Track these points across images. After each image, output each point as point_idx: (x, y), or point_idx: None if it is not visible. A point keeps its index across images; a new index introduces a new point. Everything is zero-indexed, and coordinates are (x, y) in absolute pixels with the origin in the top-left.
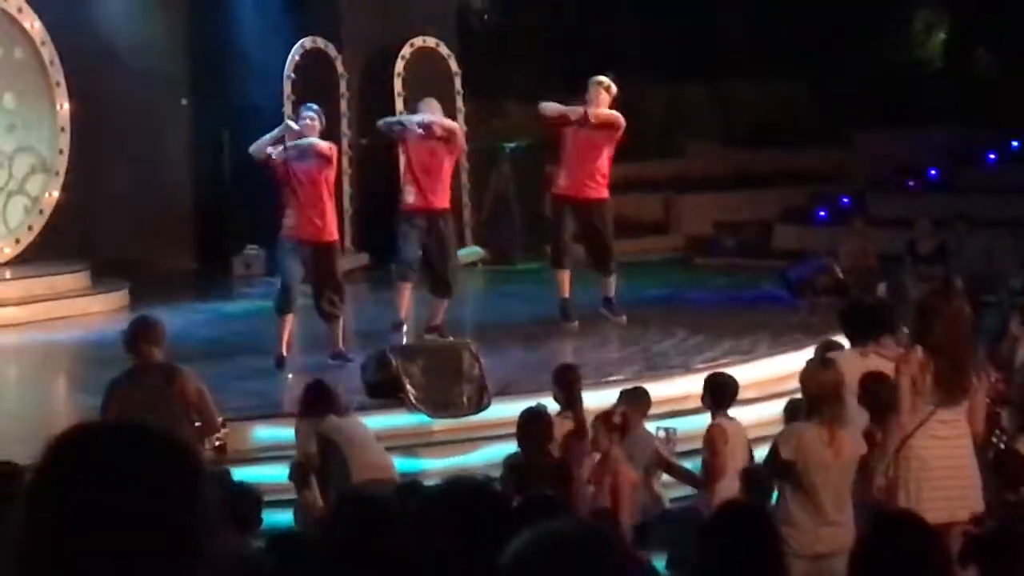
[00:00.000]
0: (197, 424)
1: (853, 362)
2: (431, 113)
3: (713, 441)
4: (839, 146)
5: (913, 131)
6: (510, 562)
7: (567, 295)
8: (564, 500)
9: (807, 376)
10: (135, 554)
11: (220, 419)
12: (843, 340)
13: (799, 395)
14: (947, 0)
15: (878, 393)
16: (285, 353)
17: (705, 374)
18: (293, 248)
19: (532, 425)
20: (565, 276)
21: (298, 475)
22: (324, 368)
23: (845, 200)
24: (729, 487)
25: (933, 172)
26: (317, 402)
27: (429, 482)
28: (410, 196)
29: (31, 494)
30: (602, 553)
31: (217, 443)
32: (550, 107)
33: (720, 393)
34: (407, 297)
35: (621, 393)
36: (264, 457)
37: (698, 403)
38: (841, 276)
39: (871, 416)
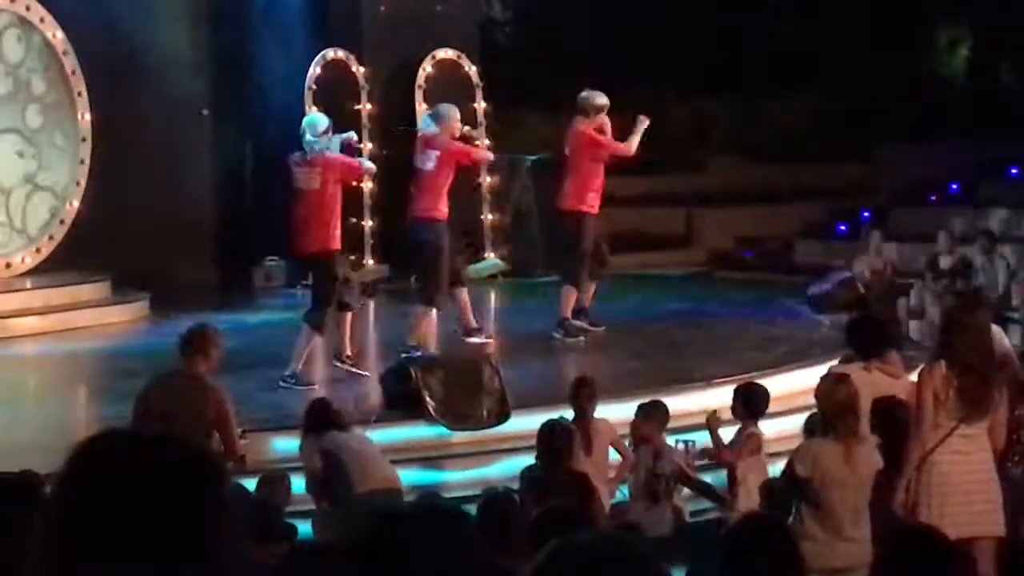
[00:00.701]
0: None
1: (858, 378)
2: (446, 119)
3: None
4: (861, 161)
5: (936, 146)
6: (536, 573)
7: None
8: (584, 513)
9: (822, 392)
10: (155, 562)
11: (239, 430)
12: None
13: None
14: (970, 15)
15: (890, 418)
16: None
17: (724, 388)
18: None
19: (552, 438)
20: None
21: (314, 487)
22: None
23: (866, 215)
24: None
25: (955, 187)
26: (318, 418)
27: (449, 494)
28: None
29: (53, 501)
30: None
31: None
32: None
33: (752, 402)
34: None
35: (639, 406)
36: (283, 469)
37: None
38: (862, 291)
39: (882, 441)
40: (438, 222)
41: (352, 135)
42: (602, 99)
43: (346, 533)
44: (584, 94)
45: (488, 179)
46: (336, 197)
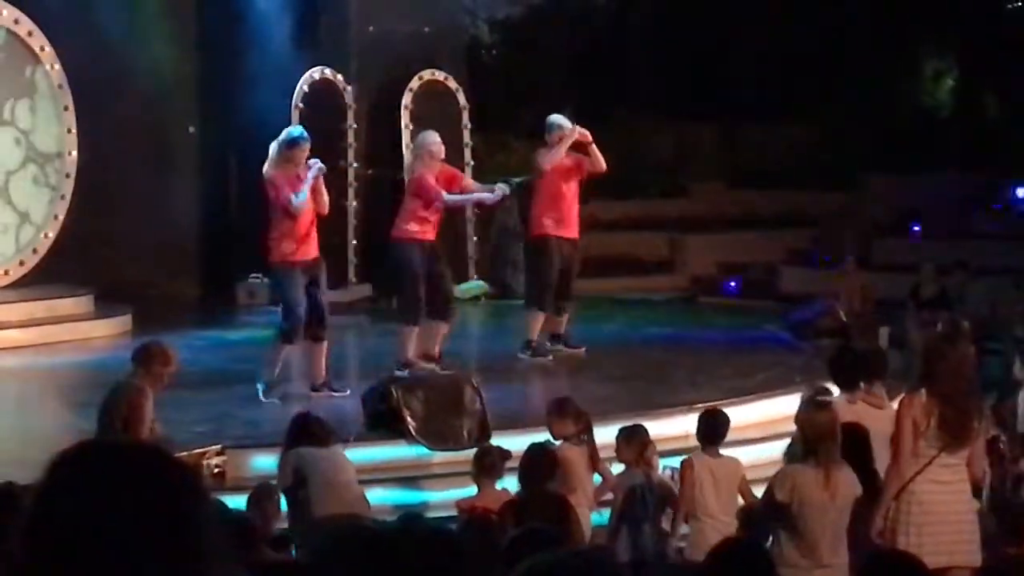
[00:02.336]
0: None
1: (842, 409)
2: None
3: (682, 476)
4: (846, 190)
5: (920, 177)
6: None
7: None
8: (562, 535)
9: (803, 418)
10: (134, 573)
11: (219, 447)
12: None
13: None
14: (956, 46)
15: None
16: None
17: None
18: None
19: (538, 461)
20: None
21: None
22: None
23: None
24: (714, 526)
25: (938, 217)
26: (299, 432)
27: (429, 515)
28: None
29: (32, 511)
30: None
31: (216, 470)
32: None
33: (710, 429)
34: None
35: (620, 430)
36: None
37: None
38: (844, 319)
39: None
40: (402, 241)
41: (317, 166)
42: (565, 123)
43: (302, 556)
44: (548, 118)
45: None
46: (279, 216)
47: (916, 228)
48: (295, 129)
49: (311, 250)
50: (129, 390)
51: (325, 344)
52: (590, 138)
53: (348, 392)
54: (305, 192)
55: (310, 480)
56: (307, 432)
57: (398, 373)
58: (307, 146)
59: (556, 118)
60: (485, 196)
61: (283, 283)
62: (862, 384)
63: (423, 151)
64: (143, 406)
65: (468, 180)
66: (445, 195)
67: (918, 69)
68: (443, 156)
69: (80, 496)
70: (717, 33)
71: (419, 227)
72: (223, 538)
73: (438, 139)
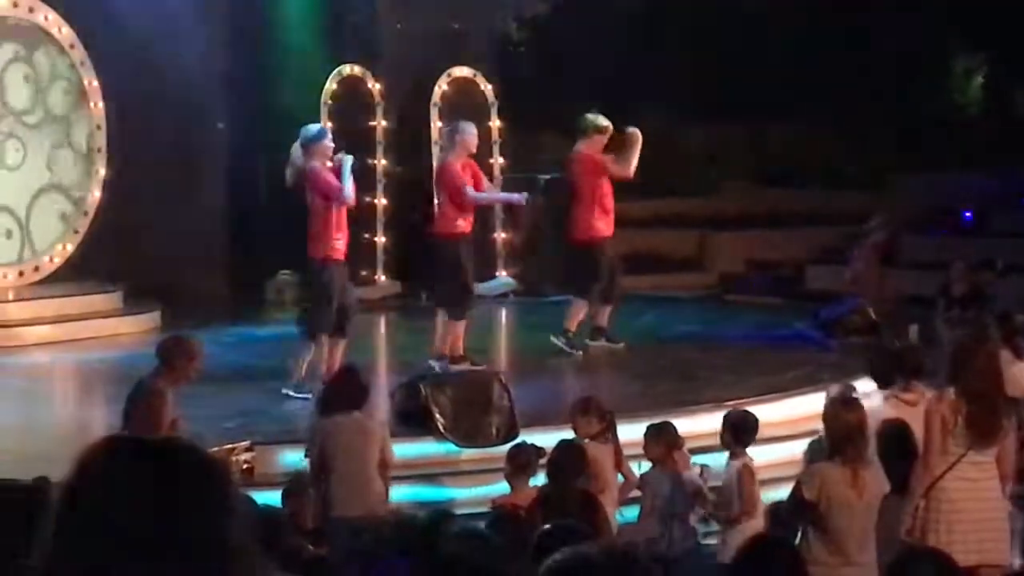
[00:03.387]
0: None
1: (876, 406)
2: (463, 135)
3: (744, 480)
4: (875, 188)
5: (950, 175)
6: None
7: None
8: (590, 530)
9: (830, 416)
10: (162, 566)
11: (248, 443)
12: (863, 383)
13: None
14: (986, 44)
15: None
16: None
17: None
18: None
19: (566, 457)
20: None
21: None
22: None
23: None
24: (754, 526)
25: (968, 215)
26: (330, 398)
27: (458, 511)
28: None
29: (61, 506)
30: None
31: (244, 466)
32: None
33: (743, 430)
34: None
35: (648, 427)
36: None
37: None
38: (873, 317)
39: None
40: (446, 237)
41: (347, 159)
42: (602, 121)
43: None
44: (585, 116)
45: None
46: (321, 211)
47: (945, 226)
48: (313, 126)
49: (346, 245)
50: (146, 392)
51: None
52: (639, 140)
53: None
54: (348, 183)
55: (328, 452)
56: (339, 397)
57: (432, 362)
58: (331, 140)
59: (594, 116)
60: (512, 198)
61: (329, 278)
62: (899, 381)
63: (458, 141)
64: (159, 408)
65: (485, 184)
66: (471, 192)
67: (947, 67)
68: (475, 150)
69: (108, 491)
70: (747, 32)
71: (464, 222)
72: (252, 533)
73: (475, 131)
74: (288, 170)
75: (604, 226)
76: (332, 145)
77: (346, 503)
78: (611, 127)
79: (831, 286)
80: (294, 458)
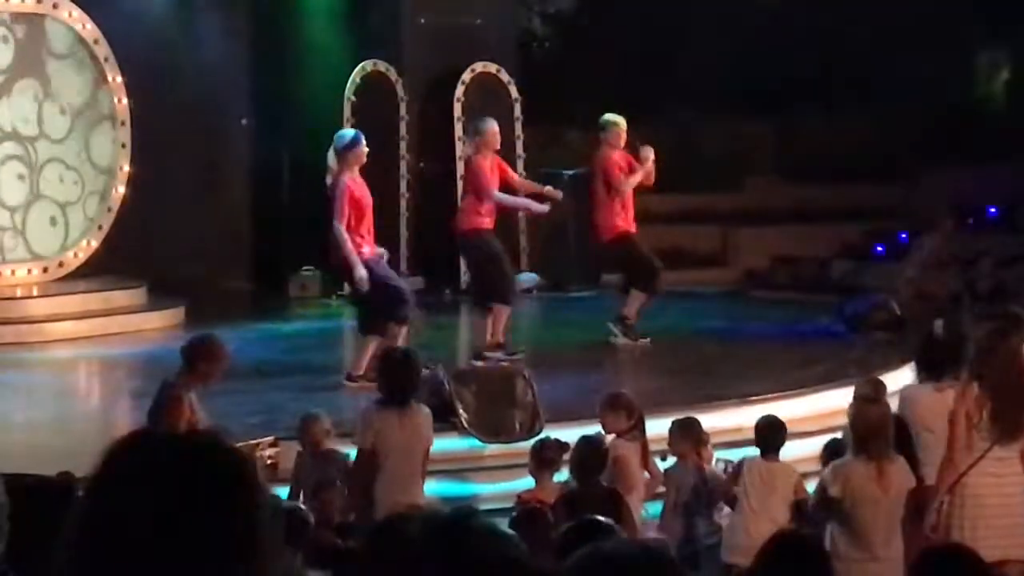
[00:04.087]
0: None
1: (931, 398)
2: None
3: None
4: (900, 183)
5: (974, 169)
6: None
7: None
8: (615, 527)
9: (855, 412)
10: (187, 563)
11: (272, 438)
12: (889, 377)
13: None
14: (1011, 38)
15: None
16: None
17: (759, 407)
18: None
19: (589, 453)
20: None
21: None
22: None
23: (903, 236)
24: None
25: (993, 210)
26: (387, 389)
27: (481, 507)
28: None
29: (85, 502)
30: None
31: (269, 462)
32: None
33: (769, 437)
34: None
35: (673, 423)
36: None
37: (751, 434)
38: (898, 312)
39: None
40: (474, 233)
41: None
42: (614, 119)
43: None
44: (602, 118)
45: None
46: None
47: (970, 221)
48: (347, 131)
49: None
50: (165, 399)
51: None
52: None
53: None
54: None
55: (378, 450)
56: (394, 386)
57: (488, 355)
58: (365, 146)
59: (612, 117)
60: (533, 206)
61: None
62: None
63: (480, 138)
64: (174, 411)
65: (515, 176)
66: (496, 193)
67: (972, 61)
68: (498, 146)
69: (133, 486)
70: (771, 27)
71: (488, 218)
72: (277, 528)
73: (496, 128)
74: (328, 176)
75: (621, 225)
76: (366, 151)
77: (390, 498)
78: (619, 124)
79: (856, 281)
80: None
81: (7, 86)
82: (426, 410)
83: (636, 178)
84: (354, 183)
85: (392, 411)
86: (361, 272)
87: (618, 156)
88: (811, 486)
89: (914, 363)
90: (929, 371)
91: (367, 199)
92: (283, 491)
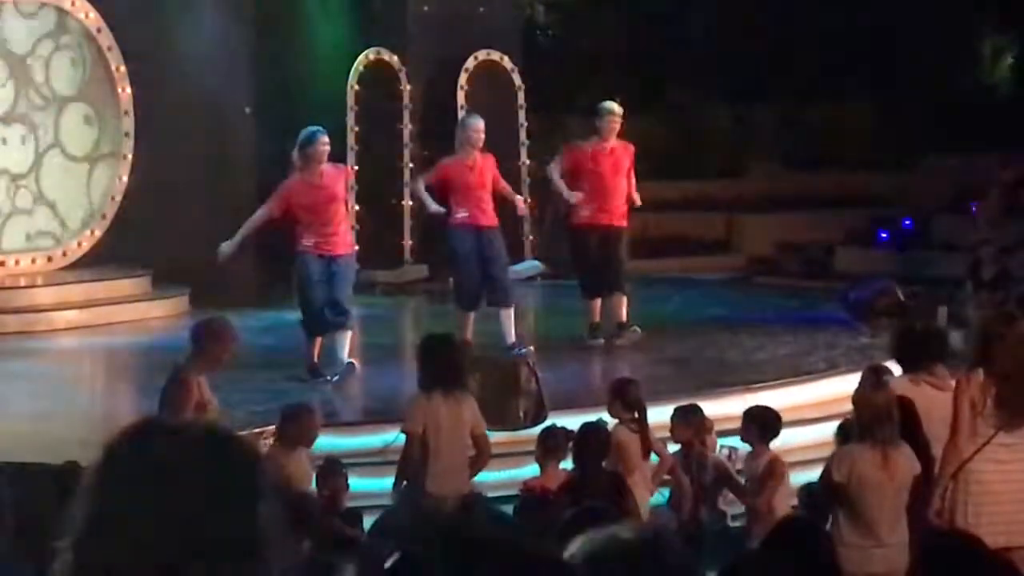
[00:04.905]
0: None
1: (906, 389)
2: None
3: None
4: (904, 170)
5: (979, 155)
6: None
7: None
8: (618, 512)
9: (860, 398)
10: (192, 550)
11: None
12: (893, 364)
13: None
14: (1016, 24)
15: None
16: None
17: (763, 394)
18: None
19: (590, 440)
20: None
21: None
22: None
23: (908, 223)
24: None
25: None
26: (431, 372)
27: (486, 495)
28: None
29: (91, 489)
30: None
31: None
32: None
33: (769, 426)
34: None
35: (675, 410)
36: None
37: None
38: (901, 298)
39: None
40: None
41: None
42: (607, 106)
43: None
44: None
45: (528, 180)
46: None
47: (975, 207)
48: (307, 129)
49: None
50: (170, 379)
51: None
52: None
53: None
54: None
55: (429, 438)
56: (441, 370)
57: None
58: (324, 143)
59: (607, 105)
60: (433, 209)
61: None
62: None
63: (462, 134)
64: (179, 395)
65: (499, 179)
66: (416, 187)
67: (977, 47)
68: (480, 144)
69: (138, 474)
70: (775, 13)
71: (463, 212)
72: (282, 515)
73: (480, 125)
74: None
75: (590, 214)
76: (324, 149)
77: (440, 483)
78: (613, 111)
79: (860, 268)
80: (322, 441)
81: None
82: (467, 394)
83: (563, 187)
84: (301, 184)
85: (435, 395)
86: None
87: (593, 147)
88: (816, 473)
89: (890, 356)
90: (904, 364)
91: (314, 201)
92: None
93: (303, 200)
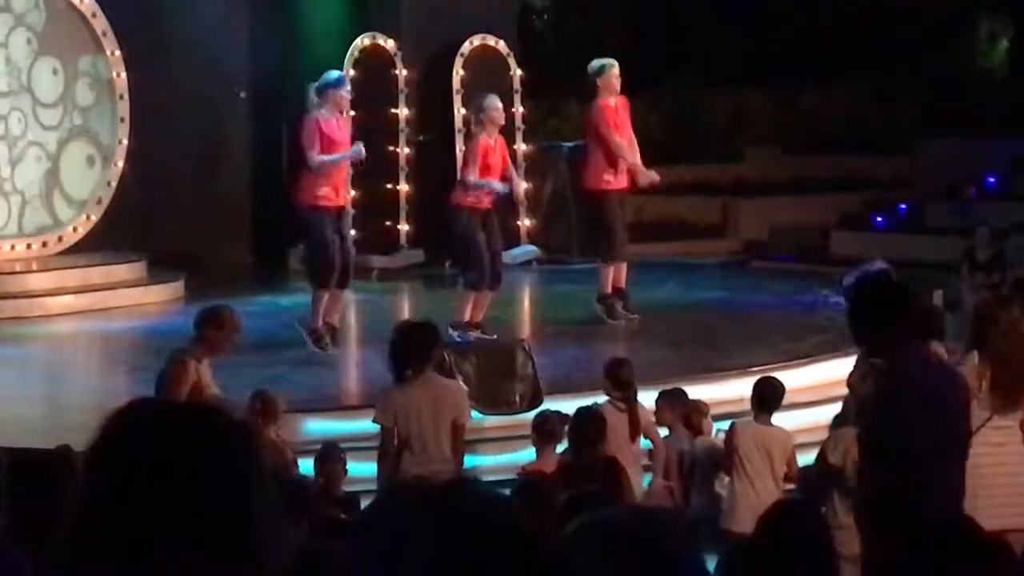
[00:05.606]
0: None
1: None
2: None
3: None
4: (900, 154)
5: (975, 139)
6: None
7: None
8: (613, 496)
9: (855, 381)
10: (190, 531)
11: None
12: None
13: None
14: (1011, 7)
15: None
16: None
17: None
18: None
19: (586, 424)
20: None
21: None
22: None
23: (903, 207)
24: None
25: (992, 180)
26: (397, 360)
27: (482, 479)
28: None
29: (86, 470)
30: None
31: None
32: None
33: (765, 397)
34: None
35: (660, 393)
36: (315, 450)
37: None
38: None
39: None
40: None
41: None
42: (596, 64)
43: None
44: (592, 63)
45: (525, 164)
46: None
47: (992, 180)
48: (332, 72)
49: (339, 197)
50: (169, 365)
51: (345, 293)
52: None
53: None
54: (335, 158)
55: (399, 426)
56: (406, 358)
57: (451, 333)
58: (347, 90)
59: (605, 60)
60: (499, 188)
61: (312, 225)
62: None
63: (484, 116)
64: (175, 378)
65: (510, 163)
66: (470, 177)
67: (972, 31)
68: (502, 122)
69: (134, 455)
70: None
71: (474, 195)
72: (278, 499)
73: (500, 105)
74: None
75: (607, 180)
76: (348, 96)
77: (412, 469)
78: (604, 65)
79: (856, 252)
80: (318, 426)
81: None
82: (453, 384)
83: (626, 148)
84: (323, 119)
85: (408, 386)
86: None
87: (608, 105)
88: (811, 456)
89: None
90: None
91: (340, 140)
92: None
93: (335, 136)
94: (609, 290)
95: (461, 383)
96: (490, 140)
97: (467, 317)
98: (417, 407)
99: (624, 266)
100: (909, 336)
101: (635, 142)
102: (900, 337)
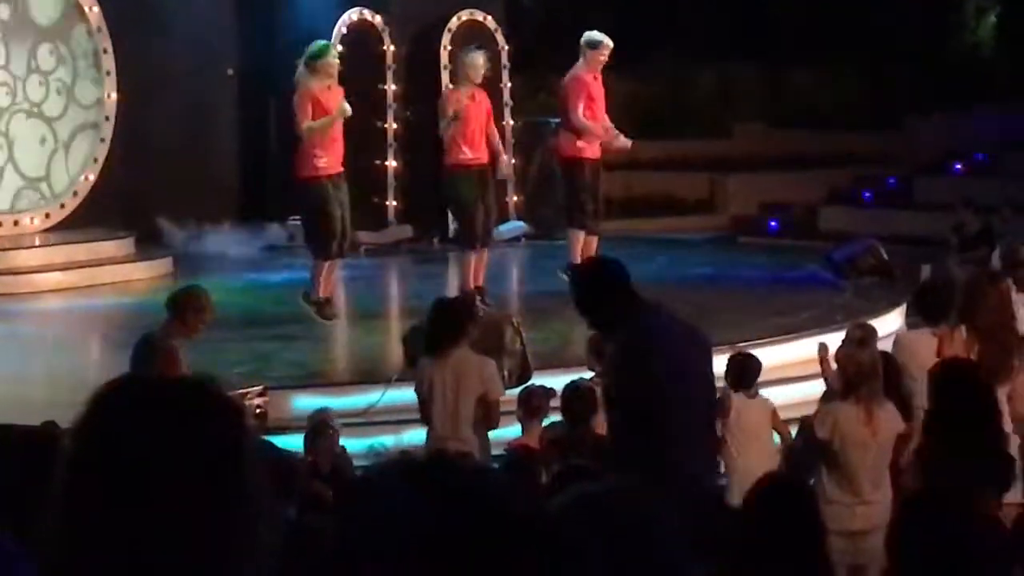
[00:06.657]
0: None
1: (927, 341)
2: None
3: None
4: (888, 129)
5: (962, 115)
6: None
7: None
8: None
9: (845, 355)
10: (178, 507)
11: (261, 387)
12: (878, 322)
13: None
14: None
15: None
16: None
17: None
18: None
19: (579, 399)
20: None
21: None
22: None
23: (891, 182)
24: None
25: (980, 156)
26: (429, 334)
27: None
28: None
29: (73, 447)
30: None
31: (257, 411)
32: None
33: (740, 373)
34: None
35: None
36: (304, 427)
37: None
38: (885, 257)
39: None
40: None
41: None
42: (595, 37)
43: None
44: (589, 34)
45: (512, 140)
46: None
47: (958, 167)
48: (319, 41)
49: (338, 165)
50: (150, 351)
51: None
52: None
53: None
54: (323, 122)
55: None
56: (445, 331)
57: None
58: (335, 56)
59: (593, 34)
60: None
61: (313, 196)
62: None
63: (461, 69)
64: (172, 368)
65: (492, 128)
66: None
67: (960, 6)
68: (479, 80)
69: (121, 431)
70: None
71: (470, 152)
72: (267, 475)
73: (480, 61)
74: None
75: (586, 145)
76: (336, 62)
77: (437, 442)
78: (603, 42)
79: (844, 227)
80: (307, 402)
81: None
82: (481, 360)
83: (594, 125)
84: (315, 89)
85: (433, 358)
86: None
87: (588, 79)
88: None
89: (910, 308)
90: (925, 316)
91: (335, 108)
92: (273, 440)
93: (330, 105)
94: (579, 260)
95: (489, 359)
96: (460, 93)
97: (471, 283)
98: (442, 381)
99: (595, 240)
100: (633, 306)
101: (608, 120)
102: (621, 310)
